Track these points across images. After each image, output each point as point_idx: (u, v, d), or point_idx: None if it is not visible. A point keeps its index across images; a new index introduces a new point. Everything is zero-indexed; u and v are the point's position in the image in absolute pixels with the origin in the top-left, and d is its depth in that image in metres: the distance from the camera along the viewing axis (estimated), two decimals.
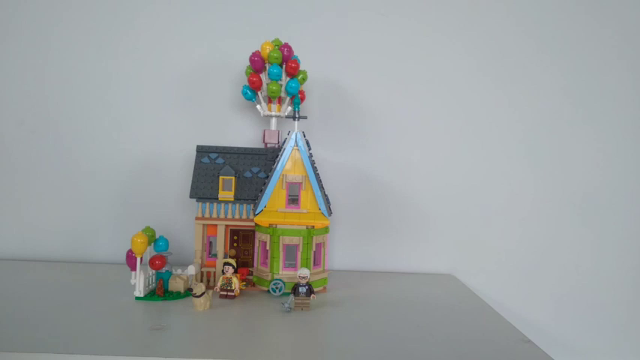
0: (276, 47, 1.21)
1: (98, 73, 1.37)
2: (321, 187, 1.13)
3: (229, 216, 1.14)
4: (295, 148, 1.11)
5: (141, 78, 1.37)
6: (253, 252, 1.16)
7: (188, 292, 1.04)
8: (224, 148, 1.20)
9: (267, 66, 1.22)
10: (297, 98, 1.17)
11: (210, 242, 1.16)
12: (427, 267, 1.41)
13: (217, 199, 1.14)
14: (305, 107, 1.36)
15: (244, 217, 1.14)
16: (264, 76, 1.23)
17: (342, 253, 1.40)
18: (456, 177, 1.41)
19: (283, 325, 0.92)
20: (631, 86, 1.41)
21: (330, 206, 1.17)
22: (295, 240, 1.09)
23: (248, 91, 1.25)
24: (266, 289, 1.10)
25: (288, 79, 1.22)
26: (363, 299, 1.10)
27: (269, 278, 1.09)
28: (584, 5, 1.40)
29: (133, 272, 1.02)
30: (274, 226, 1.09)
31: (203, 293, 0.96)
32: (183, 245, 1.34)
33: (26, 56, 1.36)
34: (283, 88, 1.22)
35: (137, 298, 1.02)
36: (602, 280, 1.43)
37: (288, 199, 1.12)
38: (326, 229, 1.15)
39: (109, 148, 1.37)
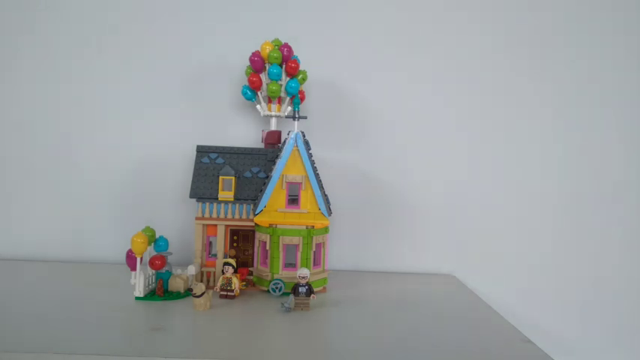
0: (276, 47, 1.21)
1: (98, 73, 1.37)
2: (321, 187, 1.13)
3: (229, 216, 1.14)
4: (295, 148, 1.11)
5: (141, 78, 1.37)
6: (253, 252, 1.16)
7: (188, 292, 1.04)
8: (224, 148, 1.20)
9: (267, 66, 1.22)
10: (297, 98, 1.17)
11: (210, 242, 1.16)
12: (427, 267, 1.42)
13: (217, 199, 1.14)
14: (305, 107, 1.36)
15: (244, 217, 1.14)
16: (264, 76, 1.23)
17: (342, 253, 1.40)
18: (456, 177, 1.41)
19: (283, 325, 0.92)
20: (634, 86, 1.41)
21: (330, 206, 1.17)
22: (295, 240, 1.09)
23: (248, 91, 1.25)
24: (266, 289, 1.10)
25: (288, 79, 1.23)
26: (363, 299, 1.10)
27: (269, 278, 1.09)
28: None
29: (133, 272, 1.02)
30: (274, 226, 1.09)
31: (203, 293, 0.96)
32: (183, 245, 1.35)
33: (26, 56, 1.36)
34: (283, 88, 1.22)
35: (137, 298, 1.02)
36: (603, 279, 1.43)
37: (288, 199, 1.12)
38: (326, 229, 1.15)
39: (109, 148, 1.37)
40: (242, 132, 1.38)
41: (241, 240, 1.17)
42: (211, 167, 1.17)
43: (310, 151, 1.13)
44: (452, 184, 1.41)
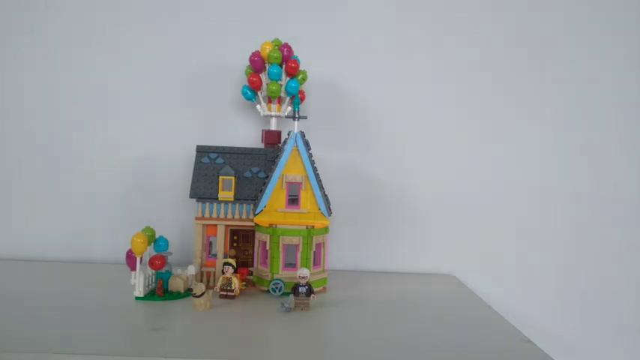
0: (276, 47, 1.21)
1: (98, 73, 1.37)
2: (321, 187, 1.13)
3: (229, 216, 1.14)
4: (295, 148, 1.11)
5: (141, 78, 1.37)
6: (253, 252, 1.16)
7: (188, 292, 1.04)
8: (224, 148, 1.20)
9: (267, 66, 1.22)
10: (297, 98, 1.17)
11: (210, 242, 1.16)
12: (427, 267, 1.41)
13: (217, 199, 1.14)
14: (305, 107, 1.36)
15: (244, 217, 1.14)
16: (264, 76, 1.23)
17: (342, 253, 1.40)
18: (456, 177, 1.41)
19: (283, 325, 0.92)
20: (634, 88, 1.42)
21: (330, 206, 1.17)
22: (295, 240, 1.09)
23: (248, 91, 1.25)
24: (266, 289, 1.10)
25: (288, 79, 1.23)
26: (363, 299, 1.10)
27: (269, 278, 1.09)
28: None
29: (133, 272, 1.02)
30: (274, 226, 1.09)
31: (203, 293, 0.96)
32: (183, 245, 1.35)
33: (26, 56, 1.36)
34: (283, 88, 1.22)
35: (137, 298, 1.02)
36: (603, 280, 1.43)
37: (288, 199, 1.12)
38: (326, 229, 1.15)
39: (109, 147, 1.37)
40: (242, 132, 1.38)
41: (241, 240, 1.17)
42: (211, 167, 1.17)
43: (310, 151, 1.13)
44: (452, 184, 1.41)
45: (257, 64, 1.21)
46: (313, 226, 1.10)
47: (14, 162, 1.37)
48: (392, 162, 1.40)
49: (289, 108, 1.26)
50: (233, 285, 1.04)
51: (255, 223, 1.12)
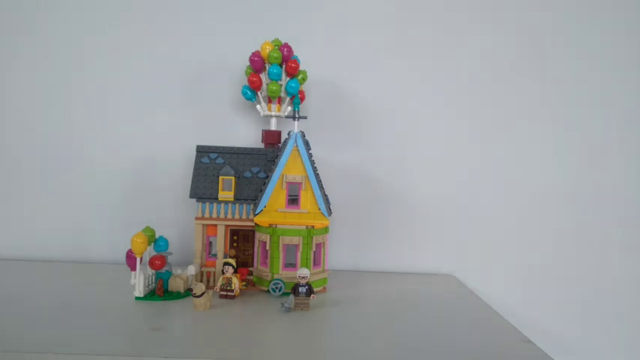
0: (276, 47, 1.21)
1: (98, 73, 1.37)
2: (321, 187, 1.13)
3: (229, 216, 1.14)
4: (295, 148, 1.11)
5: (140, 78, 1.37)
6: (253, 252, 1.16)
7: (188, 292, 1.04)
8: (224, 148, 1.20)
9: (267, 66, 1.22)
10: (297, 98, 1.17)
11: (210, 242, 1.16)
12: (427, 267, 1.41)
13: (217, 199, 1.14)
14: (305, 107, 1.36)
15: (244, 217, 1.14)
16: (264, 76, 1.23)
17: (342, 253, 1.40)
18: (456, 177, 1.41)
19: (283, 325, 0.92)
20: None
21: (330, 206, 1.17)
22: (295, 240, 1.09)
23: (248, 91, 1.25)
24: (266, 289, 1.10)
25: (288, 79, 1.23)
26: (363, 299, 1.10)
27: (269, 278, 1.09)
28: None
29: (133, 272, 1.02)
30: (274, 226, 1.09)
31: (203, 293, 0.96)
32: (183, 245, 1.35)
33: (26, 56, 1.36)
34: (283, 88, 1.22)
35: (137, 298, 1.02)
36: (603, 280, 1.43)
37: (288, 199, 1.12)
38: (326, 229, 1.15)
39: (109, 148, 1.37)
40: (242, 132, 1.38)
41: (241, 240, 1.17)
42: (211, 167, 1.17)
43: (310, 151, 1.13)
44: (452, 184, 1.41)
45: (257, 64, 1.21)
46: (313, 226, 1.10)
47: (14, 162, 1.37)
48: (392, 162, 1.40)
49: (289, 108, 1.26)
50: (233, 285, 1.04)
51: (255, 223, 1.12)
